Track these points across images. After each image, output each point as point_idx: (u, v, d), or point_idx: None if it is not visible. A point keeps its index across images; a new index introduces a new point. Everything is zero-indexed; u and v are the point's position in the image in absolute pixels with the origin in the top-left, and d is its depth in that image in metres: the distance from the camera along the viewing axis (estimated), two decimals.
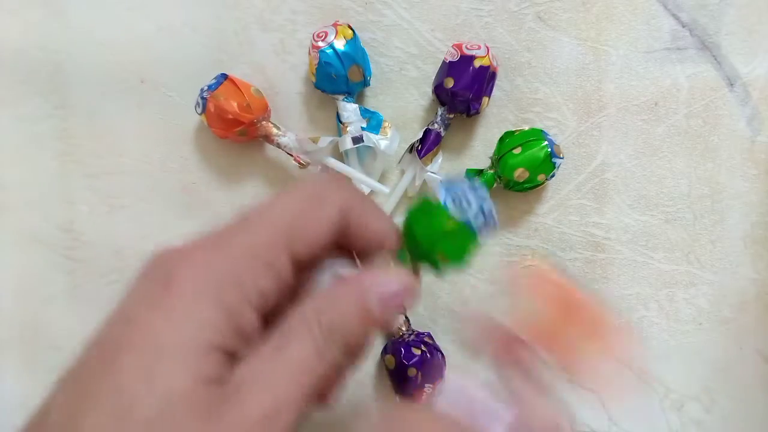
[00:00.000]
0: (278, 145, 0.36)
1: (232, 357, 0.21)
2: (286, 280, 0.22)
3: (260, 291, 0.21)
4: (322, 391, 0.26)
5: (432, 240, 0.24)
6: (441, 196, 0.25)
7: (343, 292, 0.24)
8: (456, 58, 0.35)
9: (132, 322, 0.20)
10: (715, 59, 0.37)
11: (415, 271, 0.26)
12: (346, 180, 0.36)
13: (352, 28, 0.35)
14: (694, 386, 0.39)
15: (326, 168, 0.36)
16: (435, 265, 0.25)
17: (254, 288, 0.21)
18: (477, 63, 0.34)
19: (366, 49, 0.37)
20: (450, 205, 0.24)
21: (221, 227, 0.22)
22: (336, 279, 0.25)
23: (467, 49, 0.35)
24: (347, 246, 0.25)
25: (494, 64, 0.35)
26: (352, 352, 0.23)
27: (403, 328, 0.37)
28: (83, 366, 0.20)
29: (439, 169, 0.37)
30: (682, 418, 0.39)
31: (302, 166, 0.36)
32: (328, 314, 0.23)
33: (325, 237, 0.23)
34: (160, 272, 0.21)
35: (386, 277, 0.24)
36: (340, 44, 0.34)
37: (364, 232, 0.25)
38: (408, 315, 0.37)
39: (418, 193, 0.36)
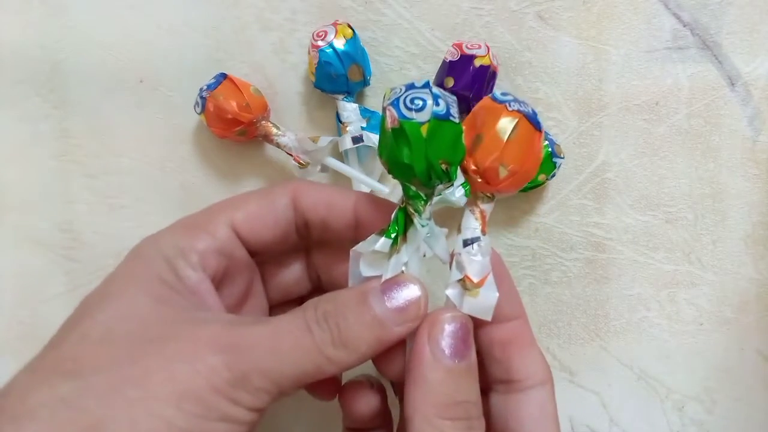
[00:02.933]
0: (278, 145, 0.36)
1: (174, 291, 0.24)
2: (227, 245, 0.25)
3: (198, 252, 0.24)
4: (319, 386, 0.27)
5: (423, 155, 0.22)
6: (397, 114, 0.22)
7: (346, 289, 0.24)
8: (456, 58, 0.35)
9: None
10: (717, 59, 0.37)
11: (429, 193, 0.24)
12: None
13: (351, 28, 0.35)
14: (695, 387, 0.39)
15: (326, 168, 0.36)
16: (446, 176, 0.23)
17: (189, 248, 0.24)
18: (477, 62, 0.34)
19: (366, 49, 0.36)
20: (410, 114, 0.22)
21: None
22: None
23: (467, 48, 0.35)
24: (323, 234, 0.27)
25: (495, 63, 0.35)
26: (349, 346, 0.22)
27: None
28: None
29: None
30: (683, 418, 0.39)
31: (302, 165, 0.36)
32: (325, 303, 0.23)
33: (269, 209, 0.26)
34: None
35: (395, 279, 0.24)
36: (339, 43, 0.34)
37: (320, 206, 0.26)
38: None
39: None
